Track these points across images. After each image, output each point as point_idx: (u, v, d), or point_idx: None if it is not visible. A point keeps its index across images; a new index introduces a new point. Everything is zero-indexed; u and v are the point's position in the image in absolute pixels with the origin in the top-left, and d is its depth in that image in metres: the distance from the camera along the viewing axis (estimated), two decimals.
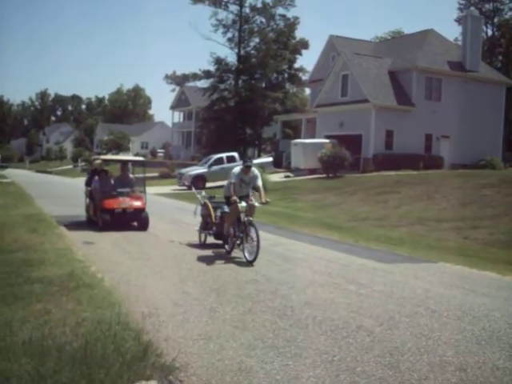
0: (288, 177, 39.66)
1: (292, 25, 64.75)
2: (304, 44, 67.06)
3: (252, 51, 63.68)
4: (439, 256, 13.67)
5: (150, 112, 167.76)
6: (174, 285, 9.80)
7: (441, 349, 6.66)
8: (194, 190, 18.50)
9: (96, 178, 18.59)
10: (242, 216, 12.77)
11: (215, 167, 37.96)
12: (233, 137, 57.82)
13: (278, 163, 44.98)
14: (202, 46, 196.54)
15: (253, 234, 12.26)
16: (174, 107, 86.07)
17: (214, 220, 14.02)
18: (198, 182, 36.25)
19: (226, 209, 13.38)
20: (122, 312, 7.41)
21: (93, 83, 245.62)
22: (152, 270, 11.08)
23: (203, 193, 16.01)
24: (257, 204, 13.13)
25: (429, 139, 41.62)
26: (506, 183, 24.10)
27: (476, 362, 6.26)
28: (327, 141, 39.07)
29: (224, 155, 39.45)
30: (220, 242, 13.96)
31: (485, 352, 6.60)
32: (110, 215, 16.85)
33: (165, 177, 48.50)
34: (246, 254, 12.24)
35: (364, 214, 21.25)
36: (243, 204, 12.71)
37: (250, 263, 11.85)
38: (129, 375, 5.45)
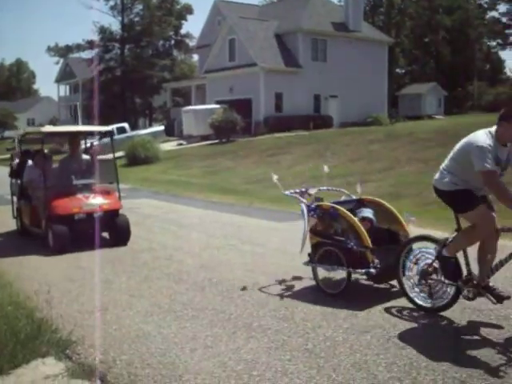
0: (181, 145, 39.41)
1: None
2: (188, 9, 66.31)
3: (136, 19, 62.32)
4: None
5: (35, 87, 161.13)
6: (68, 261, 9.61)
7: (333, 299, 6.90)
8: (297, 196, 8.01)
9: (30, 163, 12.46)
10: None
11: (105, 140, 37.09)
12: (122, 107, 56.70)
13: (170, 131, 44.49)
14: (84, 16, 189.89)
15: None
16: (59, 80, 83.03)
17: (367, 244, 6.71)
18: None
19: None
20: (14, 292, 7.21)
21: None
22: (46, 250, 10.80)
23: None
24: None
25: (317, 99, 42.40)
26: (392, 138, 25.05)
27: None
28: (218, 106, 38.97)
29: (114, 127, 38.47)
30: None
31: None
32: (66, 225, 10.31)
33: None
34: None
35: (258, 177, 21.48)
36: None
37: None
38: (24, 354, 5.33)
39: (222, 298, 7.09)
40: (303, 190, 7.93)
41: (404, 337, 5.63)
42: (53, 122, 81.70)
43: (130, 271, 8.70)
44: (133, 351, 5.57)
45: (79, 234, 10.35)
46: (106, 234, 11.10)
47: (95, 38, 60.74)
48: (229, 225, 12.77)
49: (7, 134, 63.94)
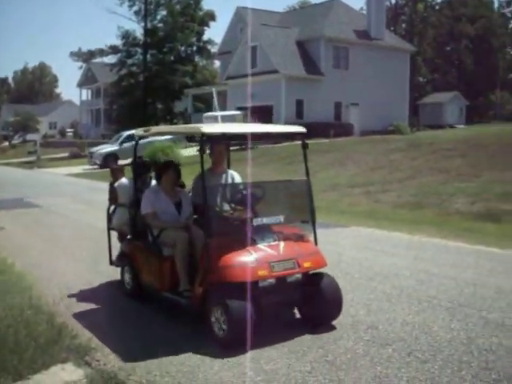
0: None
1: None
2: (211, 16, 66.39)
3: (159, 24, 62.54)
4: (352, 220, 14.01)
5: (57, 91, 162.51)
6: (87, 265, 9.64)
7: (353, 309, 6.86)
8: None
9: (153, 183, 8.00)
10: None
11: (127, 144, 37.26)
12: (143, 112, 56.91)
13: (192, 137, 44.49)
14: (107, 21, 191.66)
15: None
16: (81, 85, 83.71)
17: None
18: (110, 160, 35.58)
19: None
20: (34, 296, 7.25)
21: None
22: (64, 251, 10.84)
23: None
24: None
25: (338, 107, 42.33)
26: (413, 147, 24.87)
27: (387, 319, 6.49)
28: (239, 112, 39.00)
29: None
30: None
31: (395, 309, 6.84)
32: (246, 299, 5.78)
33: (76, 156, 47.36)
34: None
35: None
36: None
37: None
38: (43, 359, 5.36)
39: None
40: None
41: (426, 351, 5.57)
42: (74, 126, 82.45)
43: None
44: (152, 359, 5.57)
45: (263, 313, 6.00)
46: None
47: (118, 42, 61.22)
48: None
49: (29, 137, 64.18)
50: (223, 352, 5.63)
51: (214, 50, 64.89)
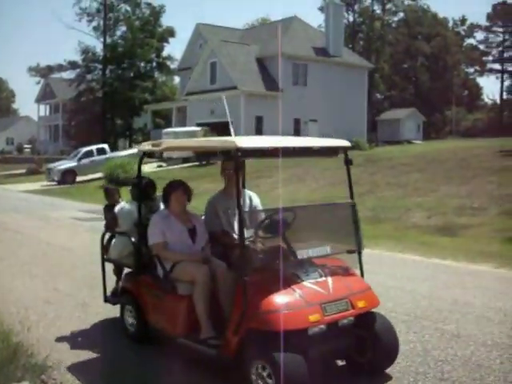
0: (161, 166, 39.28)
1: (157, 13, 64.04)
2: (170, 32, 66.52)
3: (119, 40, 62.42)
4: None
5: (15, 106, 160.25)
6: (44, 282, 9.51)
7: None
8: None
9: (162, 208, 6.79)
10: None
11: (85, 160, 36.92)
12: (102, 128, 56.60)
13: (151, 154, 44.31)
14: (66, 37, 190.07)
15: None
16: (39, 100, 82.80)
17: None
18: (68, 176, 35.27)
19: None
20: None
21: None
22: (20, 269, 10.67)
23: None
24: None
25: (297, 123, 42.64)
26: (372, 162, 25.21)
27: None
28: (199, 129, 39.03)
29: (94, 147, 38.42)
30: None
31: None
32: (297, 349, 4.73)
33: (33, 173, 46.67)
34: None
35: None
36: None
37: None
38: None
39: None
40: None
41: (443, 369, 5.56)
42: (32, 142, 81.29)
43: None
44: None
45: (311, 365, 4.82)
46: None
47: (78, 58, 60.89)
48: None
49: None
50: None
51: (173, 66, 64.94)
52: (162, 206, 6.74)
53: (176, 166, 37.34)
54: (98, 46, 62.29)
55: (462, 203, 16.75)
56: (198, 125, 41.20)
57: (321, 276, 5.23)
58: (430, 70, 77.06)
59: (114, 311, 7.30)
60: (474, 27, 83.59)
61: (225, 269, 5.62)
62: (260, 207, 6.65)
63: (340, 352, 5.39)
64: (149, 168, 37.32)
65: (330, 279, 5.23)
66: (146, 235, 6.13)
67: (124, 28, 62.62)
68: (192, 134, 37.04)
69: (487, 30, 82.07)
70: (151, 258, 6.13)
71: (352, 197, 5.82)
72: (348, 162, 5.91)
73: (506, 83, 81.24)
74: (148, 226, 6.16)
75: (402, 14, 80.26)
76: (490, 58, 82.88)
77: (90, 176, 34.84)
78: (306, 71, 43.47)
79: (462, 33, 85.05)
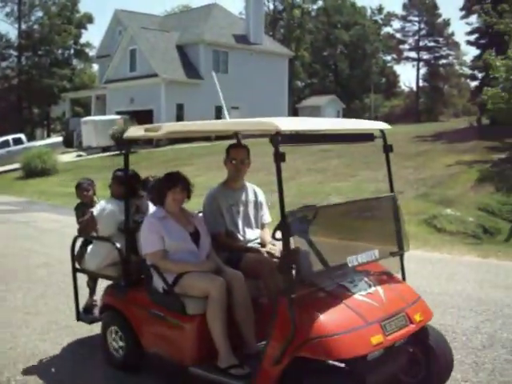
0: (80, 156, 38.56)
1: None
2: (89, 18, 65.05)
3: (35, 26, 60.59)
4: None
5: None
6: None
7: None
8: None
9: (155, 208, 5.31)
10: None
11: (1, 150, 35.78)
12: (19, 117, 54.96)
13: (69, 143, 43.44)
14: None
15: None
16: None
17: None
18: None
19: None
20: None
21: None
22: None
23: None
24: None
25: (219, 111, 42.51)
26: (292, 149, 25.43)
27: None
28: (118, 117, 38.49)
29: (10, 137, 37.24)
30: None
31: None
32: (347, 380, 3.91)
33: None
34: None
35: None
36: None
37: None
38: None
39: None
40: None
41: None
42: None
43: (26, 288, 8.43)
44: (29, 371, 5.40)
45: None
46: None
47: None
48: None
49: None
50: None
51: (92, 53, 63.64)
52: (151, 205, 5.70)
53: (95, 156, 36.71)
54: (12, 33, 60.38)
55: (380, 187, 17.16)
56: (118, 113, 40.62)
57: (369, 286, 4.34)
58: (349, 58, 78.43)
59: (31, 305, 7.14)
60: (390, 16, 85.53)
61: (241, 280, 4.70)
62: (265, 204, 5.73)
63: (394, 376, 4.48)
64: (68, 158, 36.60)
65: (380, 289, 4.35)
66: (135, 241, 5.27)
67: (40, 13, 60.86)
68: (111, 123, 36.53)
69: (403, 19, 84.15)
70: (141, 268, 5.14)
71: (392, 189, 4.98)
72: (387, 149, 4.99)
73: (422, 71, 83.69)
74: (136, 230, 5.24)
75: (321, 3, 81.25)
76: (407, 46, 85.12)
77: (7, 167, 33.81)
78: (226, 59, 43.42)
79: (380, 22, 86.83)
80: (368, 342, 3.84)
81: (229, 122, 4.51)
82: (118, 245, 5.39)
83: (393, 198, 4.90)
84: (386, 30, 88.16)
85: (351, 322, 3.93)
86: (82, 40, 65.58)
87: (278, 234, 4.26)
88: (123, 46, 42.90)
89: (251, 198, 5.56)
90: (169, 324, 4.78)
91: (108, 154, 36.36)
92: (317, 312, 3.92)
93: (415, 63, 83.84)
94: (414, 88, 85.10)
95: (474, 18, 47.50)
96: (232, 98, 42.22)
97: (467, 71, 63.30)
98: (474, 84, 50.93)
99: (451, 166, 18.94)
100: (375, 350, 3.91)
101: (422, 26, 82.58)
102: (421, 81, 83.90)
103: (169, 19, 53.41)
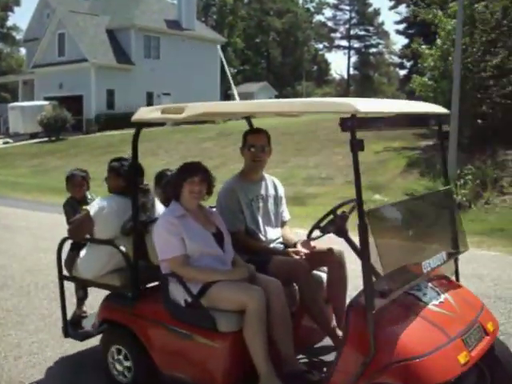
0: (7, 143, 37.45)
1: None
2: (16, 0, 63.26)
3: None
4: None
5: None
6: None
7: None
8: None
9: (172, 204, 4.32)
10: None
11: None
12: None
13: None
14: None
15: None
16: None
17: None
18: None
19: None
20: None
21: None
22: None
23: None
24: None
25: (150, 97, 42.08)
26: (224, 136, 25.53)
27: None
28: (47, 103, 37.59)
29: None
30: None
31: None
32: None
33: None
34: None
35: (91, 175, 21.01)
36: None
37: None
38: None
39: (49, 302, 6.87)
40: None
41: None
42: None
43: None
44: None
45: None
46: None
47: None
48: (60, 225, 12.36)
49: None
50: (30, 349, 5.44)
51: (19, 36, 61.82)
52: (158, 202, 5.01)
53: (23, 142, 35.79)
54: None
55: (311, 174, 17.45)
56: (46, 99, 39.64)
57: (438, 294, 3.74)
58: (281, 46, 78.84)
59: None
60: (322, 4, 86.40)
61: (279, 288, 4.00)
62: (284, 198, 5.05)
63: None
64: None
65: (448, 297, 3.76)
66: (144, 245, 4.52)
67: None
68: (39, 109, 35.69)
69: (335, 7, 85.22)
70: (149, 276, 4.52)
71: (448, 181, 4.45)
72: (442, 135, 4.40)
73: (353, 59, 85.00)
74: (143, 231, 4.54)
75: None
76: (338, 34, 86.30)
77: None
78: (158, 44, 42.91)
79: (312, 10, 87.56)
80: (456, 362, 3.27)
81: (295, 103, 3.59)
82: (124, 249, 4.57)
83: (450, 191, 4.41)
84: (318, 18, 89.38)
85: (435, 339, 3.35)
86: (9, 23, 63.77)
87: (316, 233, 3.88)
88: (51, 30, 41.79)
89: (271, 191, 4.88)
90: (195, 343, 4.00)
91: (36, 140, 35.52)
92: (397, 329, 3.32)
93: (346, 51, 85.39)
94: (345, 76, 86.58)
95: (403, 8, 48.48)
96: (164, 84, 42.00)
97: (396, 60, 64.70)
98: (402, 73, 52.03)
99: (380, 152, 19.30)
100: (464, 371, 3.28)
101: (353, 14, 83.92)
102: (351, 69, 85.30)
103: (98, 3, 52.12)
